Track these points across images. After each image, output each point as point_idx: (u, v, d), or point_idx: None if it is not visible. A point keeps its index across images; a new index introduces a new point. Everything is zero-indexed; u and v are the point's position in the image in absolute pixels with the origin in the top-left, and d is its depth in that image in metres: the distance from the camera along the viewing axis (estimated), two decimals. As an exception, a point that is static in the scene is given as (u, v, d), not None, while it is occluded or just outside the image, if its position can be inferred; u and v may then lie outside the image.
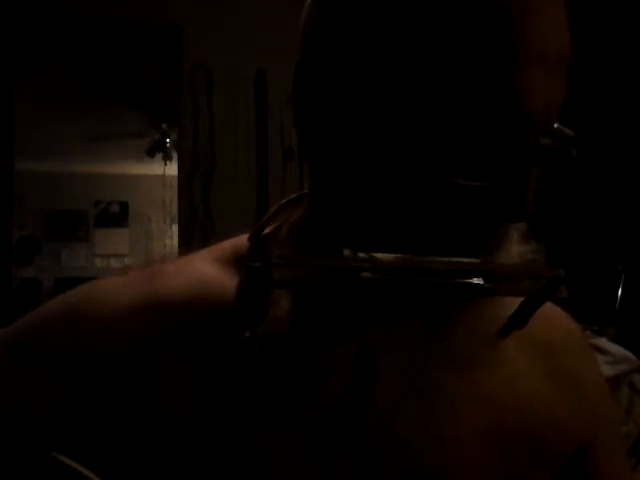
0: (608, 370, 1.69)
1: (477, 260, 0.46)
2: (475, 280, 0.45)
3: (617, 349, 1.81)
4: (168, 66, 2.94)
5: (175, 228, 4.28)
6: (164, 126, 5.56)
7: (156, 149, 5.99)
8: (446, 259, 0.45)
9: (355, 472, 0.49)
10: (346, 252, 0.43)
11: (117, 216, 8.14)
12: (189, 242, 2.77)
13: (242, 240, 0.55)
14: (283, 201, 0.57)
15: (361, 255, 0.43)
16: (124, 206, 8.11)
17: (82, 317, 0.53)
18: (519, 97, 0.43)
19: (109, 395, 0.51)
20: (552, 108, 0.46)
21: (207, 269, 0.55)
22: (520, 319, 0.52)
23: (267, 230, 0.55)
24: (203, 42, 2.77)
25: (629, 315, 2.50)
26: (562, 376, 0.59)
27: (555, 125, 0.47)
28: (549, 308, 0.63)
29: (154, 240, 7.80)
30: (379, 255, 0.43)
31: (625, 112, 2.72)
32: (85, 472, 0.49)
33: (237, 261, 0.53)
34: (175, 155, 5.03)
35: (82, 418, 0.51)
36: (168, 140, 5.73)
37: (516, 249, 0.50)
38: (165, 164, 6.08)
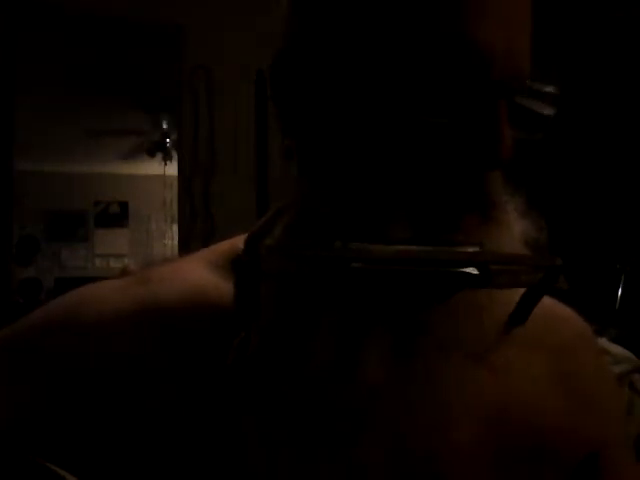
0: (608, 370, 1.69)
1: (471, 249, 0.45)
2: (469, 270, 0.44)
3: (617, 349, 1.81)
4: (168, 66, 2.94)
5: (175, 228, 4.27)
6: (164, 126, 5.57)
7: (156, 149, 6.01)
8: (438, 248, 0.45)
9: (346, 460, 0.48)
10: (337, 243, 0.44)
11: (117, 216, 8.19)
12: (189, 242, 2.76)
13: (239, 241, 0.55)
14: (280, 205, 0.56)
15: (352, 246, 0.43)
16: (124, 206, 8.15)
17: (78, 321, 0.53)
18: (470, 34, 0.45)
19: (105, 399, 0.50)
20: (515, 54, 0.47)
21: (202, 272, 0.55)
22: (521, 314, 0.51)
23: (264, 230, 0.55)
24: (204, 42, 2.78)
25: (629, 315, 2.50)
26: (572, 381, 0.59)
27: (534, 86, 0.48)
28: (560, 309, 0.62)
29: (154, 240, 7.84)
30: (370, 246, 0.44)
31: (626, 112, 2.72)
32: None
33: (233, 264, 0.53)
34: (175, 155, 5.03)
35: (78, 422, 0.51)
36: (168, 140, 5.75)
37: (513, 225, 0.49)
38: (165, 164, 6.10)
